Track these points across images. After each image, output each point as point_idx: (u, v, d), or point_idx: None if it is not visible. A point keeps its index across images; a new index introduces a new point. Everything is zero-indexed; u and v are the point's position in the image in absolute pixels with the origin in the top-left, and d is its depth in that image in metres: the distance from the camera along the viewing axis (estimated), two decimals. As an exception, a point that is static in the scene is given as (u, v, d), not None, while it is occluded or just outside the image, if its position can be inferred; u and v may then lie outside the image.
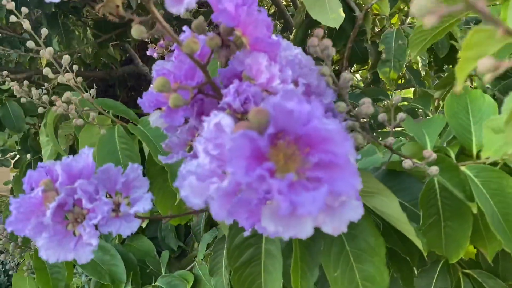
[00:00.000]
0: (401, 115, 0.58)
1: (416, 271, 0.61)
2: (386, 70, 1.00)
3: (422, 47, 0.75)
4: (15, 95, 0.90)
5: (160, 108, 0.49)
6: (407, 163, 0.55)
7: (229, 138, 0.26)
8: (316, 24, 0.91)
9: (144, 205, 0.38)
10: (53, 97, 0.71)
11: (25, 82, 0.96)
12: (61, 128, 1.16)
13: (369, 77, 1.40)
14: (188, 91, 0.43)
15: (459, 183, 0.56)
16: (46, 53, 0.67)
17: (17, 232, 0.35)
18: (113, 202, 0.39)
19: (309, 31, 1.19)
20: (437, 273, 0.61)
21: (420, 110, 1.00)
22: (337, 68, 1.38)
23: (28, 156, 1.54)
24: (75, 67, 0.70)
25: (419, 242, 0.48)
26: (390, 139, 0.54)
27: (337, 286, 0.50)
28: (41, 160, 1.45)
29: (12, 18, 0.72)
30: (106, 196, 0.39)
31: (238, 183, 0.27)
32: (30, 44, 0.71)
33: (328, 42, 0.45)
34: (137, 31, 0.39)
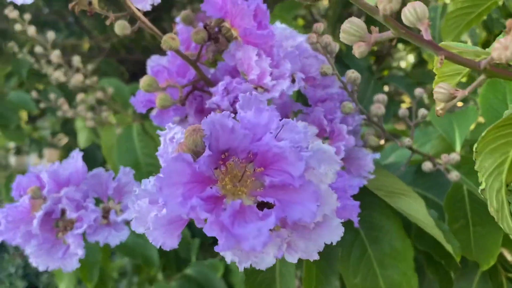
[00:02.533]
0: (422, 111, 0.51)
1: (453, 275, 0.55)
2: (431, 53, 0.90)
3: (456, 34, 0.66)
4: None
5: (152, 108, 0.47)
6: (426, 166, 0.49)
7: (163, 162, 0.23)
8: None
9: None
10: (60, 100, 0.72)
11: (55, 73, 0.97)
12: (88, 120, 1.19)
13: (414, 59, 1.28)
14: (178, 89, 0.41)
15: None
16: (55, 57, 0.67)
17: (9, 241, 0.35)
18: (103, 209, 0.38)
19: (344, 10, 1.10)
20: (477, 277, 0.55)
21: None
22: (377, 49, 1.26)
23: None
24: (90, 66, 0.70)
25: (450, 247, 0.42)
26: (407, 141, 0.49)
27: None
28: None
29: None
30: (98, 203, 0.38)
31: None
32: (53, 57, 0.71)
33: (328, 38, 0.40)
34: (120, 27, 0.37)
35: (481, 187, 0.27)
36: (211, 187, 0.23)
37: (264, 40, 0.37)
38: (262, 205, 0.24)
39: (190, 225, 0.26)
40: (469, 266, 0.59)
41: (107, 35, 1.66)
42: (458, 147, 0.56)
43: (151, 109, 0.45)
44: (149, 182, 0.28)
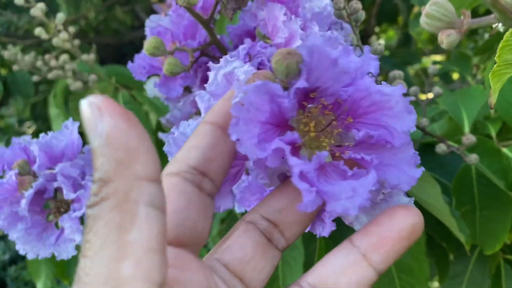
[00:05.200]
0: (436, 89, 0.49)
1: (452, 257, 0.55)
2: (419, 30, 0.89)
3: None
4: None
5: (157, 74, 0.42)
6: (441, 148, 0.47)
7: (239, 91, 0.18)
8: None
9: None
10: (47, 56, 0.63)
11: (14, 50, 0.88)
12: (71, 101, 1.10)
13: (398, 38, 1.27)
14: (188, 53, 0.36)
15: (501, 170, 0.48)
16: (38, 11, 0.59)
17: None
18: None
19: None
20: (474, 258, 0.55)
21: (457, 75, 0.89)
22: (362, 28, 1.24)
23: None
24: (71, 29, 0.62)
25: (462, 236, 0.41)
26: (424, 121, 0.47)
27: None
28: (50, 130, 1.41)
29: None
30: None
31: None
32: (35, 11, 0.62)
33: (358, 4, 0.36)
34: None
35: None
36: (292, 132, 0.18)
37: (292, -3, 0.32)
38: (348, 164, 0.19)
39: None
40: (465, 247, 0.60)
41: (75, 16, 1.54)
42: (466, 128, 0.55)
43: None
44: (188, 125, 0.23)
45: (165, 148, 0.23)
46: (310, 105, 0.19)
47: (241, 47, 0.34)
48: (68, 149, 0.32)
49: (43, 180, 0.30)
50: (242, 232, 0.20)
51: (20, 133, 1.66)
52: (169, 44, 0.38)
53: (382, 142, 0.19)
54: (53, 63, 0.65)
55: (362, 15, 0.39)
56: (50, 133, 0.31)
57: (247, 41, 0.35)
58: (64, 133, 0.31)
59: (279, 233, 0.20)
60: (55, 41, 0.60)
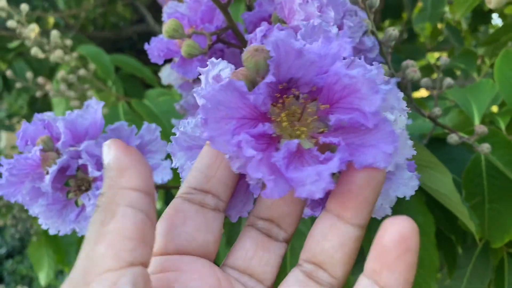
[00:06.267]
0: (448, 80, 0.50)
1: (460, 250, 0.56)
2: (423, 25, 0.89)
3: (468, 6, 0.65)
4: (23, 54, 0.84)
5: (171, 60, 0.42)
6: (452, 139, 0.48)
7: (207, 91, 0.19)
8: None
9: (162, 174, 0.32)
10: (40, 80, 0.65)
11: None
12: (72, 90, 1.11)
13: (403, 33, 1.27)
14: (205, 37, 0.36)
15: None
16: (31, 32, 0.60)
17: (7, 197, 0.30)
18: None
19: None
20: (477, 251, 0.55)
21: (459, 72, 0.90)
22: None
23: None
24: (68, 41, 0.64)
25: (472, 225, 0.42)
26: (437, 110, 0.47)
27: None
28: None
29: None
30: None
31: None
32: (28, 33, 0.63)
33: None
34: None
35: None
36: (263, 124, 0.19)
37: (309, -18, 0.33)
38: (323, 150, 0.20)
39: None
40: (470, 240, 0.60)
41: (74, 10, 1.55)
42: (476, 121, 0.55)
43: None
44: (188, 124, 0.23)
45: (168, 149, 0.24)
46: (284, 96, 0.20)
47: (258, 29, 0.35)
48: (91, 128, 0.32)
49: (67, 157, 0.30)
50: (242, 236, 0.22)
51: (9, 127, 1.68)
52: (186, 29, 0.38)
53: (357, 125, 0.19)
54: (48, 87, 0.66)
55: (377, 1, 0.40)
56: (75, 111, 0.32)
57: (264, 24, 0.35)
58: (88, 112, 0.32)
59: (277, 227, 0.22)
60: (53, 58, 0.61)
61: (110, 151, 0.19)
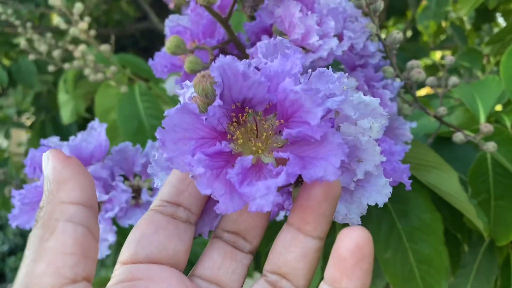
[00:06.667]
0: (453, 79, 0.49)
1: (466, 248, 0.56)
2: (427, 23, 0.88)
3: (472, 4, 0.64)
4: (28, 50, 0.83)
5: (176, 73, 0.43)
6: (458, 137, 0.47)
7: (166, 115, 0.20)
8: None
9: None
10: (70, 47, 0.64)
11: (35, 37, 0.88)
12: (79, 88, 1.10)
13: (406, 32, 1.26)
14: (207, 51, 0.37)
15: (517, 159, 0.48)
16: (57, 0, 0.59)
17: (22, 226, 0.31)
18: (132, 188, 0.34)
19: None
20: (483, 249, 0.55)
21: (462, 70, 0.89)
22: None
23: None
24: (86, 19, 0.63)
25: (480, 223, 0.42)
26: (442, 109, 0.47)
27: (389, 269, 0.44)
28: (55, 120, 1.40)
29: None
30: (123, 181, 0.34)
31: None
32: (53, 1, 0.63)
33: None
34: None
35: None
36: (220, 143, 0.20)
37: (307, -6, 0.33)
38: (285, 163, 0.21)
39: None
40: (475, 238, 0.60)
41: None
42: (482, 119, 0.55)
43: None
44: None
45: (149, 170, 0.25)
46: (239, 115, 0.21)
47: (258, 43, 0.34)
48: (97, 151, 0.33)
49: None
50: (209, 247, 0.23)
51: (18, 124, 1.69)
52: (188, 42, 0.39)
53: (307, 138, 0.20)
54: (76, 54, 0.65)
55: (381, 5, 0.39)
56: (79, 135, 0.32)
57: (265, 38, 0.35)
58: (92, 135, 0.32)
59: (242, 239, 0.23)
60: (73, 30, 0.60)
61: (48, 163, 0.19)
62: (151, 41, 1.97)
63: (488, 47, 0.77)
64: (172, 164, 0.19)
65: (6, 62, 1.36)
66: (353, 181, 0.22)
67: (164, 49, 0.37)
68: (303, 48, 0.35)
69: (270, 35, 0.38)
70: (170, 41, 0.34)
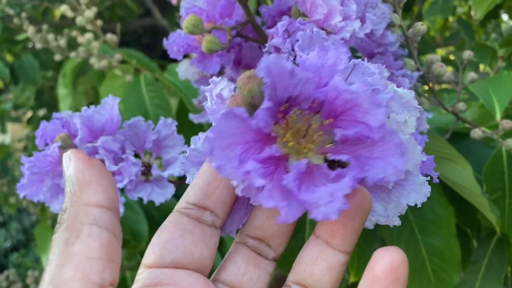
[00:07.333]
0: (471, 74, 0.49)
1: (476, 243, 0.55)
2: (434, 18, 0.88)
3: (489, 5, 0.63)
4: (30, 46, 0.83)
5: (188, 56, 0.42)
6: (476, 133, 0.47)
7: (213, 121, 0.19)
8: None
9: (179, 168, 0.32)
10: (74, 33, 0.63)
11: (44, 27, 0.87)
12: (80, 84, 1.10)
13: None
14: (225, 32, 0.36)
15: (534, 157, 0.48)
16: None
17: (30, 197, 0.30)
18: (143, 164, 0.33)
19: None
20: (492, 245, 0.55)
21: (468, 66, 0.88)
22: None
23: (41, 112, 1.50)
24: (94, 8, 0.62)
25: (493, 217, 0.41)
26: (461, 105, 0.46)
27: None
28: None
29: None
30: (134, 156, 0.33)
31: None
32: None
33: None
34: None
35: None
36: (270, 147, 0.19)
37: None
38: (333, 164, 0.20)
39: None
40: (484, 233, 0.59)
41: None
42: (498, 115, 0.54)
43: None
44: (199, 140, 0.24)
45: (181, 167, 0.24)
46: (287, 115, 0.20)
47: (279, 23, 0.34)
48: (108, 124, 0.32)
49: (86, 153, 0.30)
50: (233, 252, 0.23)
51: (15, 119, 1.68)
52: (205, 24, 0.38)
53: (364, 138, 0.19)
54: (80, 39, 0.65)
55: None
56: (92, 107, 0.31)
57: (285, 18, 0.34)
58: (105, 108, 0.31)
59: (266, 246, 0.23)
60: (79, 20, 0.59)
61: (70, 163, 0.19)
62: (154, 38, 1.97)
63: (502, 50, 0.76)
64: (221, 173, 0.18)
65: (9, 58, 1.36)
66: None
67: (179, 30, 0.36)
68: (324, 29, 0.34)
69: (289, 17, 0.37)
70: (188, 20, 0.33)
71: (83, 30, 0.81)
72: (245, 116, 0.18)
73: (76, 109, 0.98)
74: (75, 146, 0.31)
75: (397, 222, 0.22)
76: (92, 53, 0.63)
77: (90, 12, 0.58)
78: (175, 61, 0.44)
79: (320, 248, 0.21)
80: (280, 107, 0.20)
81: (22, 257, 2.26)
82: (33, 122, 1.56)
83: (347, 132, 0.19)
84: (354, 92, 0.18)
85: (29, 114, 1.66)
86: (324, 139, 0.20)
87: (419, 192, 0.22)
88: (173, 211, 0.22)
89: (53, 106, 1.44)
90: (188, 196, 0.22)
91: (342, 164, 0.19)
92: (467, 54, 0.49)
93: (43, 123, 0.31)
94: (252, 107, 0.20)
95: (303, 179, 0.19)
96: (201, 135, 0.24)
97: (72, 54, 0.67)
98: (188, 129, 0.55)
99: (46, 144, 0.31)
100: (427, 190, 0.22)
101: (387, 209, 0.22)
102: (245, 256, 0.22)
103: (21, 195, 0.30)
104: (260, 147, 0.19)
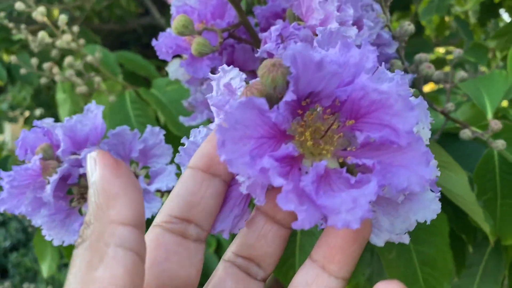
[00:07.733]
0: (461, 73, 0.48)
1: (471, 249, 0.55)
2: (430, 18, 0.87)
3: None
4: (27, 46, 0.80)
5: (180, 56, 0.40)
6: (465, 134, 0.46)
7: (226, 110, 0.18)
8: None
9: (167, 180, 0.31)
10: (46, 65, 0.62)
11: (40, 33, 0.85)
12: (78, 86, 1.08)
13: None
14: (216, 33, 0.34)
15: (525, 157, 0.48)
16: (39, 15, 0.57)
17: (11, 210, 0.28)
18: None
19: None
20: (489, 249, 0.55)
21: (467, 66, 0.88)
22: None
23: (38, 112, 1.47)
24: (75, 28, 0.60)
25: (487, 226, 0.41)
26: (450, 105, 0.45)
27: (392, 270, 0.43)
28: (55, 116, 1.38)
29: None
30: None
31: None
32: (36, 15, 0.59)
33: None
34: None
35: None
36: (286, 144, 0.17)
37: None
38: (350, 169, 0.19)
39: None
40: (480, 238, 0.59)
41: (79, 1, 1.49)
42: (489, 115, 0.54)
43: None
44: (199, 133, 0.22)
45: (176, 160, 0.22)
46: (305, 112, 0.18)
47: (273, 28, 0.32)
48: (92, 134, 0.30)
49: (68, 165, 0.28)
50: (221, 271, 0.21)
51: (11, 119, 1.64)
52: (196, 23, 0.36)
53: (388, 143, 0.17)
54: (55, 70, 0.63)
55: (393, -6, 0.38)
56: (74, 117, 0.30)
57: (279, 22, 0.33)
58: (88, 117, 0.30)
59: (256, 266, 0.21)
60: (60, 43, 0.58)
61: (96, 168, 0.17)
62: (154, 37, 1.93)
63: (494, 41, 0.76)
64: (231, 168, 0.16)
65: (6, 58, 1.32)
66: (404, 194, 0.20)
67: (169, 29, 0.34)
68: (317, 35, 0.32)
69: (283, 20, 0.36)
70: (177, 20, 0.31)
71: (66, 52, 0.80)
72: (265, 108, 0.17)
73: (76, 113, 0.97)
74: (57, 158, 0.29)
75: (406, 239, 0.21)
76: (71, 77, 0.62)
77: (68, 36, 0.56)
78: (177, 57, 0.43)
79: (316, 273, 0.20)
80: (302, 103, 0.18)
81: (22, 256, 2.23)
82: (30, 122, 1.53)
83: (372, 135, 0.17)
84: (385, 92, 0.17)
85: (27, 114, 1.63)
86: (343, 142, 0.19)
87: (428, 208, 0.21)
88: (153, 224, 0.20)
89: (51, 106, 1.41)
90: (170, 208, 0.20)
91: (361, 170, 0.18)
92: (457, 52, 0.48)
93: (24, 132, 0.30)
94: (269, 99, 0.18)
95: (320, 183, 0.17)
96: (202, 127, 0.22)
97: (57, 78, 0.65)
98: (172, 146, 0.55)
99: (26, 153, 0.29)
100: (437, 206, 0.21)
101: (393, 224, 0.21)
102: (235, 277, 0.21)
103: (1, 209, 0.28)
104: (274, 145, 0.18)
